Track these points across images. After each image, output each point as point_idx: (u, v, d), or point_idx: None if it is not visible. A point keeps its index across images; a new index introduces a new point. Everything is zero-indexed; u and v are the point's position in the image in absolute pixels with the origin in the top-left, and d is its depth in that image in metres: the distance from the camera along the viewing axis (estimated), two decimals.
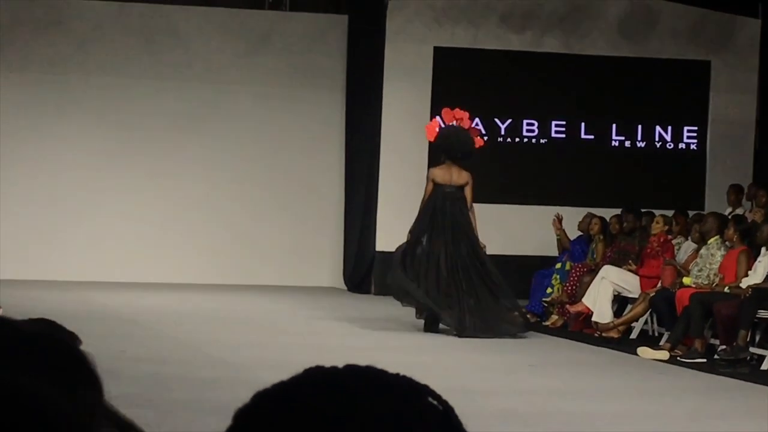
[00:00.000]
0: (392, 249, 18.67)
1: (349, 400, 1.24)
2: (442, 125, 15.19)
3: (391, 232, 18.89)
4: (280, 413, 1.25)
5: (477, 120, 19.22)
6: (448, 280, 14.20)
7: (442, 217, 14.51)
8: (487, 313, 14.29)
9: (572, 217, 17.17)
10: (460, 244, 14.39)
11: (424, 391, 1.28)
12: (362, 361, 1.31)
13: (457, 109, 15.27)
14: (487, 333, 13.95)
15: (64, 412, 1.45)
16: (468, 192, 14.74)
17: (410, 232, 14.75)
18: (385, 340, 13.63)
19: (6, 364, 1.45)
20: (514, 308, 14.76)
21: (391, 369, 1.34)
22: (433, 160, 18.98)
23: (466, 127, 15.23)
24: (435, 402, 1.28)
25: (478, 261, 14.48)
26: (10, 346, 1.48)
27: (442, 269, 14.22)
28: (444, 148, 15.08)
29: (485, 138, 16.05)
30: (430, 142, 15.65)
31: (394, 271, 14.54)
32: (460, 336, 13.89)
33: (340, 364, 1.31)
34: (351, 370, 1.28)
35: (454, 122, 15.15)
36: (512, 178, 19.29)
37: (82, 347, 1.58)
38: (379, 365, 1.32)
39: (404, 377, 1.29)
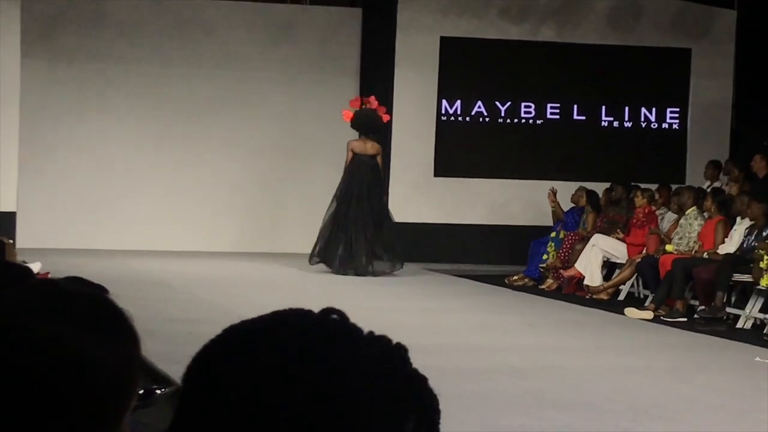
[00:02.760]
0: (404, 220, 18.80)
1: (296, 340, 1.25)
2: (356, 109, 16.91)
3: (403, 204, 18.90)
4: (240, 347, 1.28)
5: (479, 102, 19.23)
6: (352, 230, 16.31)
7: (358, 179, 16.50)
8: (373, 255, 16.43)
9: (566, 190, 17.17)
10: (367, 202, 16.46)
11: (382, 339, 1.28)
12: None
13: (371, 97, 17.11)
14: (369, 273, 16.24)
15: (105, 364, 1.45)
16: (378, 160, 16.73)
17: (336, 191, 16.72)
18: (396, 302, 13.64)
19: (53, 319, 1.45)
20: (393, 258, 16.63)
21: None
22: (441, 139, 19.03)
23: (374, 107, 16.91)
24: (393, 346, 1.28)
25: (378, 217, 16.51)
26: (57, 304, 1.48)
27: (350, 222, 16.33)
28: (359, 127, 16.84)
29: (388, 114, 17.30)
30: (349, 122, 16.99)
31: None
32: (339, 273, 16.23)
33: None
34: (300, 315, 1.29)
35: (366, 105, 16.94)
36: (511, 155, 19.27)
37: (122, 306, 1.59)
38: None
39: (337, 314, 1.29)
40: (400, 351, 1.28)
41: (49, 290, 1.51)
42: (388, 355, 1.27)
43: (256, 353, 1.25)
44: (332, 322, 1.28)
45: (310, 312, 1.29)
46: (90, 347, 1.44)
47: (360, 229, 16.30)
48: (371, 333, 1.28)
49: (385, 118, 16.99)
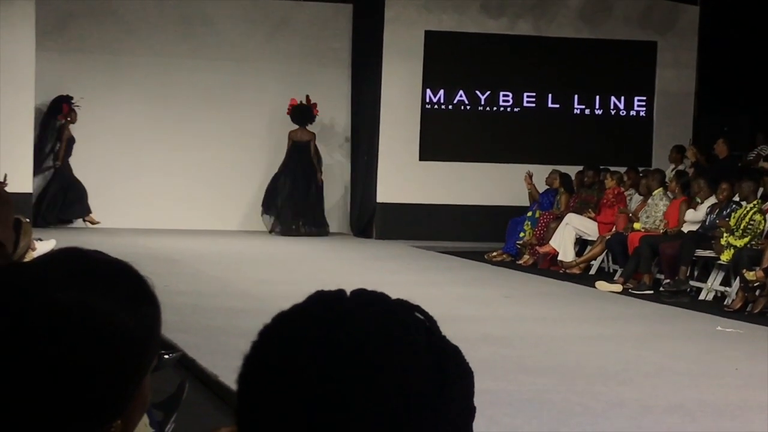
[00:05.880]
0: (391, 201, 18.84)
1: (349, 317, 1.27)
2: (295, 105, 18.75)
3: (390, 186, 18.89)
4: (295, 330, 1.28)
5: (461, 91, 19.20)
6: (292, 200, 18.55)
7: (294, 161, 18.63)
8: (309, 221, 18.71)
9: (541, 173, 17.17)
10: (304, 179, 18.61)
11: (415, 309, 1.31)
12: None
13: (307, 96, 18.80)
14: (307, 234, 18.44)
15: (129, 328, 1.45)
16: (311, 146, 18.71)
17: (279, 169, 18.75)
18: (385, 276, 13.61)
19: (80, 285, 1.44)
20: (323, 222, 18.94)
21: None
22: (425, 126, 19.02)
23: (308, 103, 18.72)
24: (422, 317, 1.31)
25: (314, 191, 18.70)
26: (83, 270, 1.47)
27: (293, 194, 18.55)
28: (294, 117, 18.72)
29: (318, 109, 18.94)
30: (288, 113, 18.83)
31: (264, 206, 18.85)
32: (284, 235, 18.41)
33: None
34: (354, 293, 1.31)
35: (303, 102, 18.78)
36: (491, 141, 19.26)
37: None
38: None
39: (399, 299, 1.32)
40: (435, 323, 1.32)
41: (75, 257, 1.50)
42: (429, 330, 1.30)
43: (308, 334, 1.27)
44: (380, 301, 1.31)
45: (366, 291, 1.32)
46: (115, 311, 1.44)
47: (291, 199, 18.51)
48: (406, 305, 1.31)
49: (316, 111, 18.80)
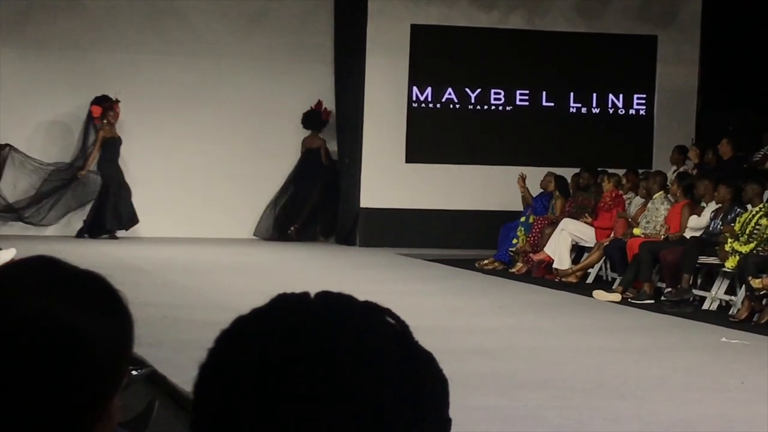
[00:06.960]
0: (376, 206, 18.84)
1: (314, 320, 1.24)
2: (306, 111, 19.40)
3: (375, 190, 18.88)
4: (255, 334, 1.25)
5: (449, 89, 19.20)
6: (300, 208, 19.32)
7: (304, 166, 19.38)
8: (319, 225, 19.69)
9: (535, 176, 17.19)
10: (312, 183, 19.28)
11: (385, 312, 1.29)
12: None
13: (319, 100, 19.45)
14: (316, 239, 19.47)
15: (97, 341, 1.44)
16: (322, 151, 19.43)
17: (289, 176, 19.56)
18: (370, 286, 13.57)
19: (49, 296, 1.44)
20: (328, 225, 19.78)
21: None
22: (412, 126, 19.04)
23: (320, 109, 19.39)
24: (393, 321, 1.28)
25: (320, 194, 19.42)
26: (53, 280, 1.47)
27: (306, 200, 19.32)
28: (305, 123, 19.40)
29: (329, 113, 19.58)
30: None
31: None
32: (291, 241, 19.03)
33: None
34: (319, 295, 1.29)
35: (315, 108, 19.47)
36: (482, 141, 19.27)
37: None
38: None
39: (368, 302, 1.30)
40: (407, 328, 1.29)
41: (44, 266, 1.49)
42: (401, 334, 1.28)
43: (269, 338, 1.24)
44: (342, 304, 1.28)
45: (331, 293, 1.30)
46: (83, 325, 1.44)
47: (301, 206, 19.25)
48: (375, 308, 1.28)
49: (325, 116, 19.45)
